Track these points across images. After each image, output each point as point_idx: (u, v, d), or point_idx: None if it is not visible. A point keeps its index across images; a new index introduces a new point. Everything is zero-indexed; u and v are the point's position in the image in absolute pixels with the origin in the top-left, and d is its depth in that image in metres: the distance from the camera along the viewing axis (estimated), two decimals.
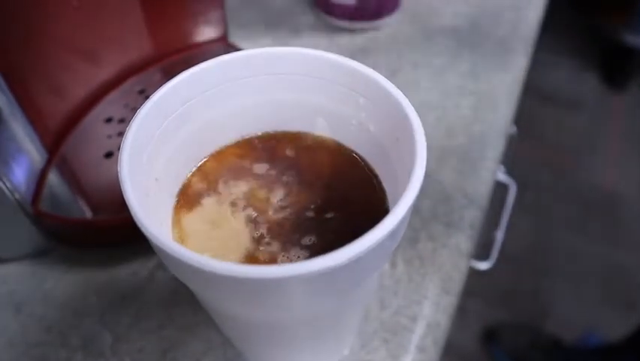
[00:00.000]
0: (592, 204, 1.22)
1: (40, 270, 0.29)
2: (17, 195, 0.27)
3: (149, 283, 0.29)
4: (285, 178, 0.20)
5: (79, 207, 0.30)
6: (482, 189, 0.34)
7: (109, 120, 0.32)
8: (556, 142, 1.37)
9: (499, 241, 0.47)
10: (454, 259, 0.30)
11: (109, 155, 0.31)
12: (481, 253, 0.45)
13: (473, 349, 0.98)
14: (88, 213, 0.29)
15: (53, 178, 0.30)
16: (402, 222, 0.15)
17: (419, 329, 0.27)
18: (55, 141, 0.31)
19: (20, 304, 0.28)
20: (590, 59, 1.58)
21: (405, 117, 0.17)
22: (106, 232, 0.29)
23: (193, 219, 0.19)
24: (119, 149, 0.18)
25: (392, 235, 0.14)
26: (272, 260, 0.18)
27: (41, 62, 0.29)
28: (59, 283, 0.29)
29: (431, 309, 0.28)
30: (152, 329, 0.27)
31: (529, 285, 1.07)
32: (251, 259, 0.18)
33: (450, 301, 0.29)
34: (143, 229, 0.14)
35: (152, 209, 0.17)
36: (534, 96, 1.42)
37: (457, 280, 0.30)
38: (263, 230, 0.18)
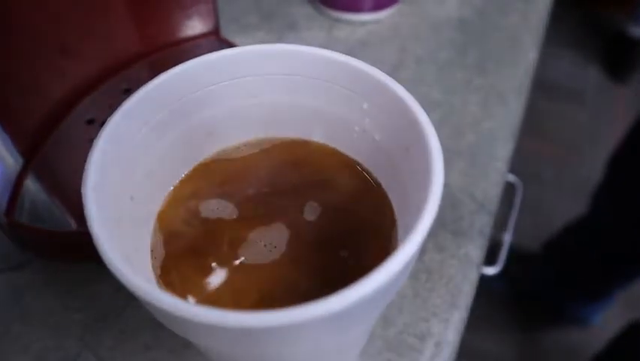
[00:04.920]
0: None
1: (16, 285, 0.27)
2: None
3: (135, 300, 0.26)
4: (278, 191, 0.18)
5: (60, 217, 0.27)
6: (492, 192, 0.32)
7: (91, 122, 0.30)
8: (558, 135, 1.35)
9: (507, 244, 0.44)
10: (463, 271, 0.28)
11: None
12: (488, 257, 0.43)
13: (477, 346, 0.96)
14: (70, 224, 0.27)
15: (30, 186, 0.27)
16: (417, 253, 0.12)
17: (427, 349, 0.25)
18: (32, 144, 0.28)
19: None
20: (592, 51, 1.55)
21: (416, 126, 0.15)
22: (89, 245, 0.27)
23: (175, 245, 0.16)
24: None
25: (407, 266, 0.12)
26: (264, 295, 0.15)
27: (13, 56, 0.26)
28: (37, 300, 0.27)
29: (440, 326, 0.26)
30: (137, 351, 0.25)
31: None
32: (241, 292, 0.15)
33: (460, 317, 0.27)
34: (111, 268, 0.12)
35: (125, 235, 0.14)
36: (535, 89, 1.39)
37: (467, 293, 0.28)
38: (253, 253, 0.16)
